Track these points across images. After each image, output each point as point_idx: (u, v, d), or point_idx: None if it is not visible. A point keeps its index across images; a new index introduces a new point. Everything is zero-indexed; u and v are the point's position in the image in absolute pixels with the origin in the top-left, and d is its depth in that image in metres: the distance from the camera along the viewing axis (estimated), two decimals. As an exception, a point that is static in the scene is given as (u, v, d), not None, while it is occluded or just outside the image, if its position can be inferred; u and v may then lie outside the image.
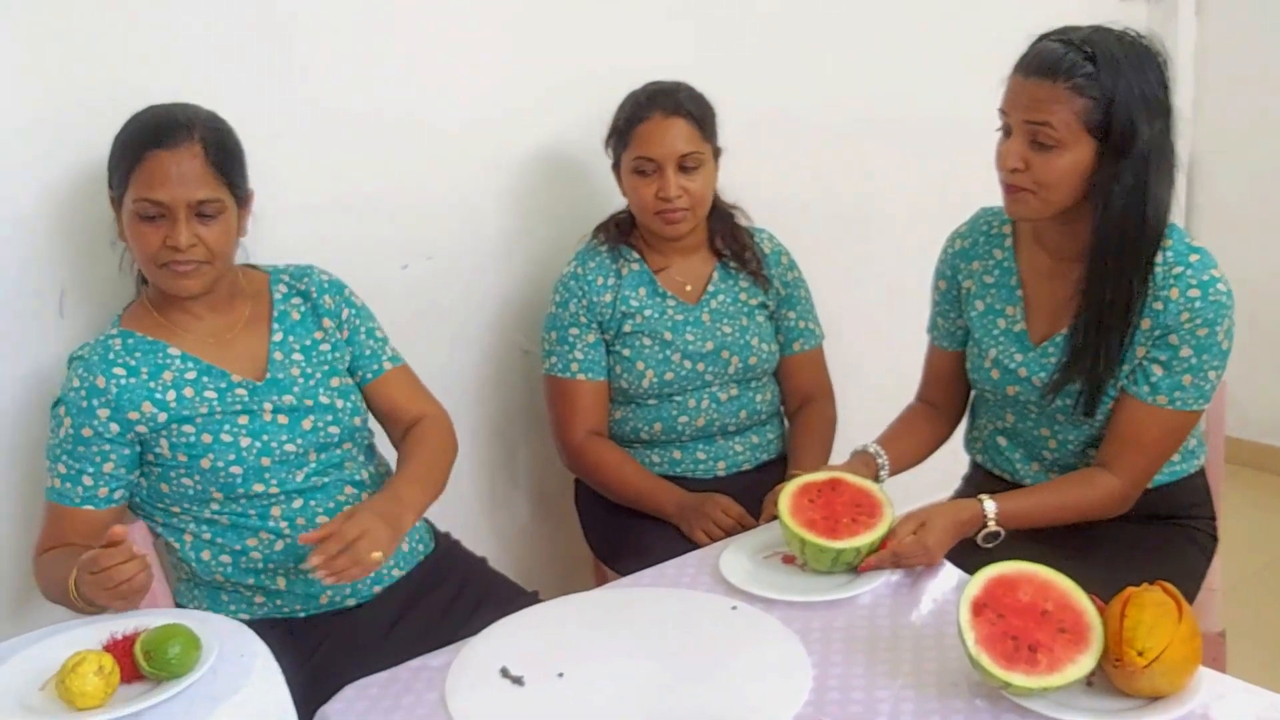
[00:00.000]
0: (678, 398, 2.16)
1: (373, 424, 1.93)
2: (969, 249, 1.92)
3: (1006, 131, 1.71)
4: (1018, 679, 1.27)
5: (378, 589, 1.81)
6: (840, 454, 2.09)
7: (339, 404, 1.81)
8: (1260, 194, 3.61)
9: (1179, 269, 1.67)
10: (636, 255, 2.18)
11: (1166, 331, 1.69)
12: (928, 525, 1.65)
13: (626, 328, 2.14)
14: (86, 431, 1.68)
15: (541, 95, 2.32)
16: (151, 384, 1.70)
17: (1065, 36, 1.65)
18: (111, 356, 1.70)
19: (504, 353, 2.42)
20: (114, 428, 1.69)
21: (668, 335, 2.14)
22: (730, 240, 2.21)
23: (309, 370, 1.81)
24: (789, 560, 1.71)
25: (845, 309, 2.58)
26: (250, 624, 1.52)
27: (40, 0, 1.77)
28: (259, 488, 1.73)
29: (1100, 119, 1.62)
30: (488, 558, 2.00)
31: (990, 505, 1.71)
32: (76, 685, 1.28)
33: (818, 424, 2.22)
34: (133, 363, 1.71)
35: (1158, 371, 1.71)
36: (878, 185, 2.95)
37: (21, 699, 1.32)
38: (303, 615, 1.78)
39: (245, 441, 1.72)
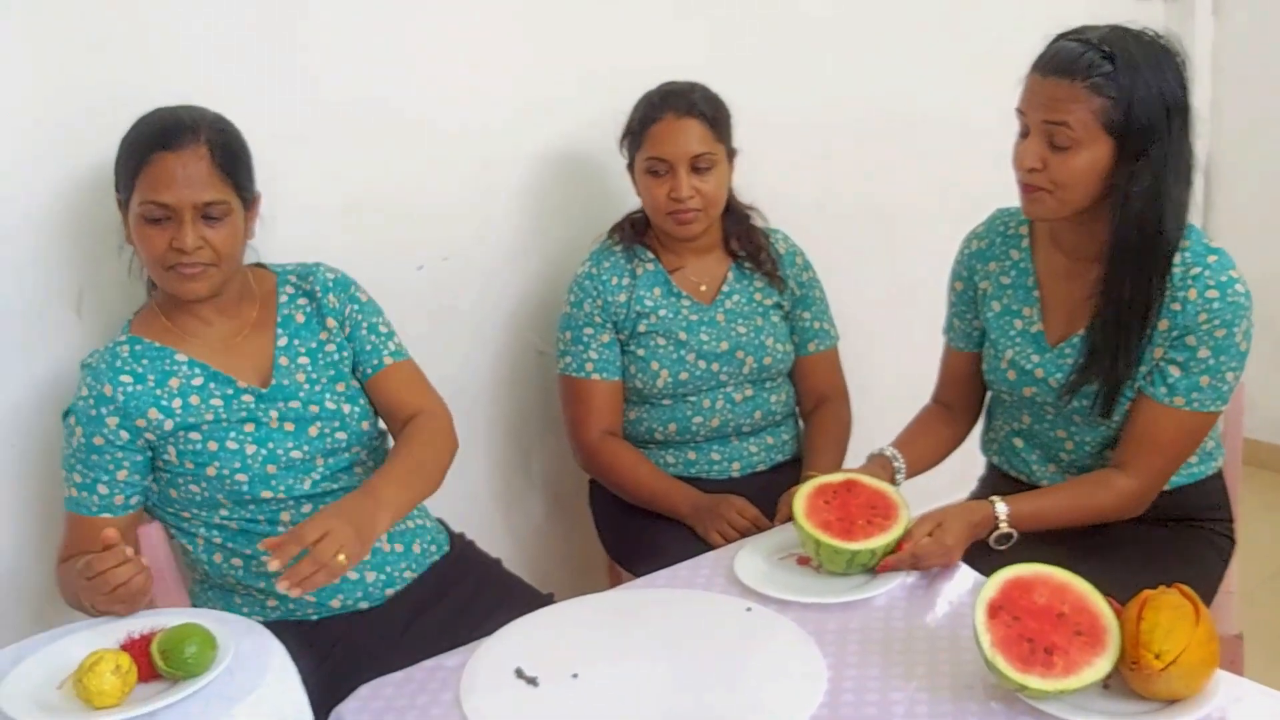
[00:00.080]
0: (692, 398, 2.16)
1: (383, 425, 1.91)
2: (985, 250, 1.92)
3: (1024, 131, 1.70)
4: (1034, 681, 1.27)
5: (390, 592, 1.80)
6: (855, 455, 2.09)
7: (345, 409, 1.79)
8: (1278, 194, 3.58)
9: (1197, 269, 1.66)
10: (651, 255, 2.18)
11: (1184, 332, 1.68)
12: (944, 526, 1.64)
13: (641, 328, 2.14)
14: (98, 440, 1.68)
15: (555, 95, 2.32)
16: (158, 391, 1.70)
17: (1083, 36, 1.64)
18: (119, 364, 1.70)
19: (519, 353, 2.42)
20: (124, 435, 1.68)
21: (682, 335, 2.14)
22: (745, 241, 2.20)
23: (315, 375, 1.79)
24: (804, 562, 1.70)
25: (859, 310, 2.57)
26: (264, 625, 1.51)
27: (46, 2, 1.77)
28: (266, 494, 1.73)
29: (1118, 119, 1.61)
30: (502, 559, 2.00)
31: (1002, 507, 1.70)
32: (94, 684, 1.29)
33: (833, 425, 2.22)
34: (140, 370, 1.70)
35: (1175, 372, 1.70)
36: (893, 185, 2.94)
37: (39, 697, 1.32)
38: (315, 618, 1.78)
39: (251, 449, 1.71)
